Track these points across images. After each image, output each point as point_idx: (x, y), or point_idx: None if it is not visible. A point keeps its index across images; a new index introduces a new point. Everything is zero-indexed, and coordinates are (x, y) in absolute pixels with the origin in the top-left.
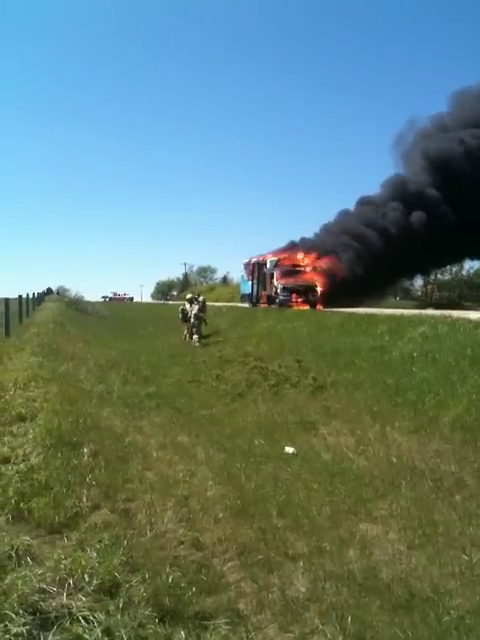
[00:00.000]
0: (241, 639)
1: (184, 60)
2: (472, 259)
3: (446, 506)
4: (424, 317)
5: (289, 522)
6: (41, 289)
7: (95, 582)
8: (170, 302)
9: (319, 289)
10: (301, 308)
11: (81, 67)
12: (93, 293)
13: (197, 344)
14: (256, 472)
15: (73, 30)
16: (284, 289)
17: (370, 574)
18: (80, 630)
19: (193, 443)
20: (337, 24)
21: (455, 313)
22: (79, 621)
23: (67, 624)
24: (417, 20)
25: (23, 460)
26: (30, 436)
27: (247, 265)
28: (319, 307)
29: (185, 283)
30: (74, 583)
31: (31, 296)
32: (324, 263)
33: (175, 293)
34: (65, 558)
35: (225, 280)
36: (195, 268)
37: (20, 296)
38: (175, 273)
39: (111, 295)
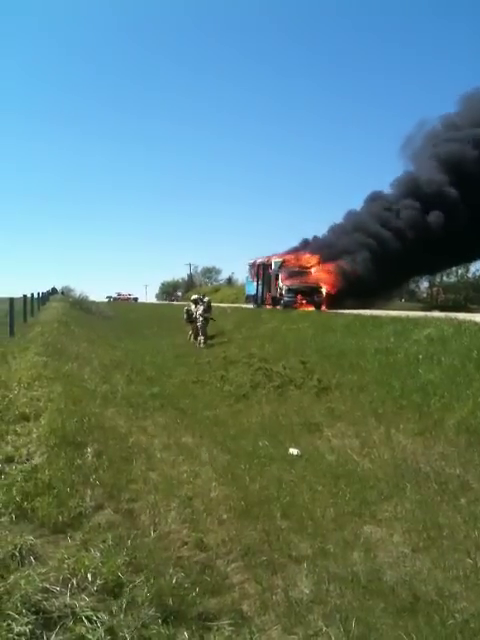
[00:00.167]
0: None
1: (187, 62)
2: None
3: (451, 509)
4: (429, 319)
5: (293, 524)
6: (46, 289)
7: (98, 582)
8: (175, 302)
9: (324, 290)
10: (306, 309)
11: (85, 70)
12: (98, 293)
13: (202, 345)
14: (260, 473)
15: (75, 34)
16: (289, 290)
17: (374, 576)
18: (83, 630)
19: (197, 444)
20: (337, 26)
21: (461, 315)
22: (82, 621)
23: (70, 624)
24: (418, 21)
25: (27, 459)
26: (34, 435)
27: (252, 266)
28: (324, 308)
29: (190, 284)
30: (77, 583)
31: (36, 296)
32: (328, 268)
33: (180, 294)
34: (68, 558)
35: (230, 281)
36: (200, 269)
37: (25, 296)
38: (180, 274)
39: (116, 295)
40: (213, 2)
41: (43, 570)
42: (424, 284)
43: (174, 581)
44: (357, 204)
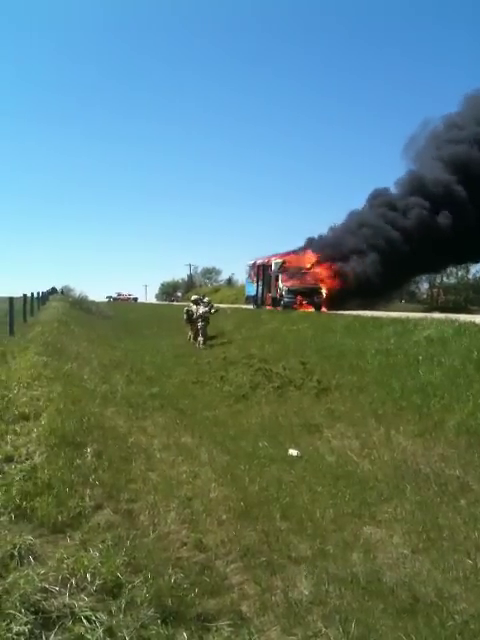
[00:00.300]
0: None
1: (186, 64)
2: None
3: (451, 510)
4: (430, 320)
5: (293, 525)
6: (46, 288)
7: (97, 582)
8: (174, 303)
9: (324, 291)
10: (306, 310)
11: (84, 72)
12: (97, 293)
13: (202, 345)
14: (260, 474)
15: (73, 36)
16: (289, 291)
17: (374, 578)
18: (82, 630)
19: (197, 444)
20: (336, 27)
21: (461, 317)
22: (81, 621)
23: (69, 624)
24: (417, 22)
25: (26, 459)
26: (34, 435)
27: (252, 267)
28: (324, 309)
29: (190, 284)
30: (76, 583)
31: (36, 295)
32: (328, 268)
33: (180, 294)
34: (68, 558)
35: (230, 282)
36: (200, 269)
37: (25, 295)
38: (180, 274)
39: (115, 295)
40: (210, 4)
41: (42, 570)
42: (424, 285)
43: (173, 581)
44: (357, 205)
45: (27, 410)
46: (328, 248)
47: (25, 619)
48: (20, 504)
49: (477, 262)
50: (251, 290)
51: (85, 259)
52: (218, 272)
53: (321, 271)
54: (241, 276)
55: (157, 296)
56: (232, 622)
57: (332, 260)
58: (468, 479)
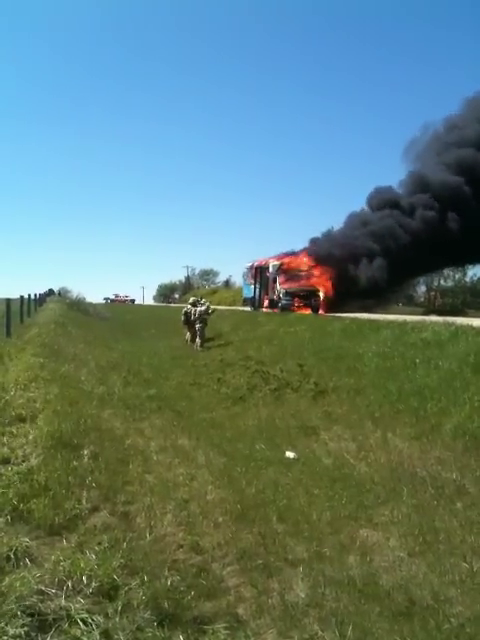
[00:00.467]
0: None
1: (184, 65)
2: None
3: (447, 513)
4: (427, 323)
5: (289, 527)
6: (43, 290)
7: (94, 584)
8: (172, 305)
9: (321, 294)
10: (303, 312)
11: (83, 74)
12: (95, 295)
13: (199, 347)
14: (256, 476)
15: (74, 37)
16: (286, 293)
17: (370, 580)
18: (78, 632)
19: (194, 446)
20: (336, 30)
21: (458, 320)
22: (77, 623)
23: (65, 626)
24: (415, 25)
25: (23, 461)
26: (30, 437)
27: (250, 269)
28: (321, 312)
29: (187, 286)
30: (73, 585)
31: (33, 297)
32: (326, 270)
33: (177, 296)
34: (64, 560)
35: (227, 284)
36: (197, 271)
37: (22, 296)
38: (177, 276)
39: (113, 297)
40: (210, 7)
41: (38, 572)
42: (421, 288)
43: (169, 584)
44: (355, 207)
45: (24, 412)
46: (328, 250)
47: (21, 621)
48: (17, 506)
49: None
50: (249, 292)
51: (82, 261)
52: (216, 274)
53: (319, 273)
54: (239, 278)
55: (154, 298)
56: (228, 625)
57: (332, 262)
58: (465, 482)
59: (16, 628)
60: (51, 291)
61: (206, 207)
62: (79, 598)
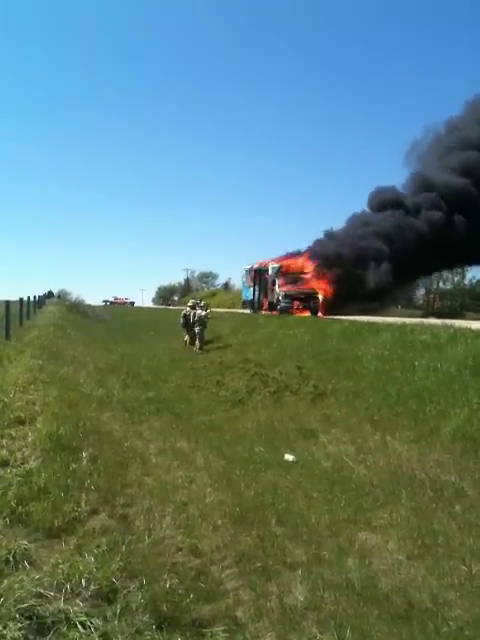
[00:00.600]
0: None
1: (182, 68)
2: None
3: (446, 516)
4: (426, 326)
5: (288, 530)
6: (42, 292)
7: (93, 587)
8: (171, 307)
9: (320, 296)
10: (302, 315)
11: (82, 77)
12: (94, 297)
13: (198, 350)
14: (255, 479)
15: (73, 41)
16: (286, 296)
17: (369, 583)
18: (77, 635)
19: (192, 449)
20: (335, 33)
21: (457, 322)
22: (76, 626)
23: (64, 629)
24: (414, 30)
25: (22, 463)
26: (29, 439)
27: (249, 271)
28: (320, 314)
29: (186, 288)
30: (71, 588)
31: (32, 299)
32: (326, 273)
33: (176, 298)
34: (63, 563)
35: (227, 286)
36: (197, 274)
37: (21, 299)
38: (177, 278)
39: (112, 299)
40: (211, 10)
41: (37, 575)
42: (420, 291)
43: (168, 587)
44: (353, 210)
45: (23, 414)
46: (335, 250)
47: (20, 624)
48: (15, 508)
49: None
50: (248, 294)
51: (82, 263)
52: (215, 276)
53: (318, 275)
54: (238, 280)
55: (154, 300)
56: (227, 628)
57: (338, 263)
58: (463, 485)
59: (14, 631)
60: (50, 293)
61: (205, 210)
62: (78, 601)
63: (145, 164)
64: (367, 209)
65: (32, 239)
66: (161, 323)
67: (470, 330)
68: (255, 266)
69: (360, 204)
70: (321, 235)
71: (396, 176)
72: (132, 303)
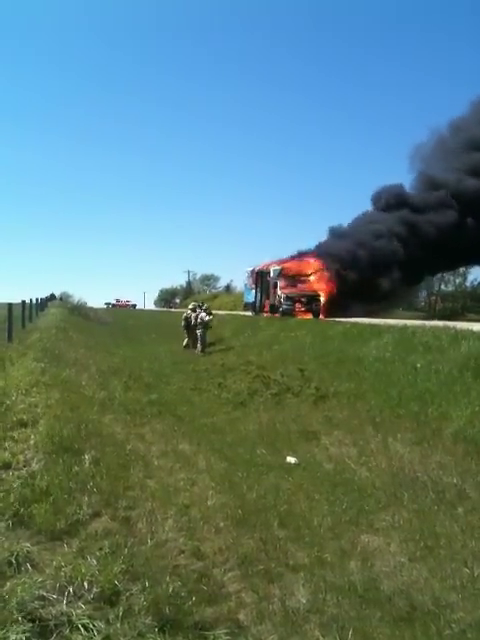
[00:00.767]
0: None
1: (184, 70)
2: None
3: (448, 518)
4: (427, 328)
5: (290, 532)
6: (44, 295)
7: (95, 590)
8: (173, 309)
9: (322, 298)
10: (304, 317)
11: (84, 80)
12: (96, 299)
13: (200, 352)
14: (257, 481)
15: (73, 43)
16: (287, 298)
17: (371, 586)
18: (80, 638)
19: (194, 451)
20: (335, 38)
21: (458, 324)
22: (79, 629)
23: (66, 632)
24: (413, 35)
25: (24, 466)
26: (31, 442)
27: (250, 273)
28: (322, 317)
29: (188, 291)
30: (74, 591)
31: (34, 302)
32: (328, 275)
33: (178, 301)
34: (65, 565)
35: (228, 288)
36: (198, 276)
37: (23, 301)
38: (178, 280)
39: (114, 302)
40: (210, 13)
41: (40, 577)
42: (422, 293)
43: (171, 589)
44: (354, 213)
45: (25, 417)
46: (341, 251)
47: (22, 627)
48: (18, 511)
49: None
50: (249, 297)
51: (84, 266)
52: (216, 279)
53: (320, 277)
54: (239, 283)
55: (156, 302)
56: (229, 630)
57: (347, 264)
58: (465, 487)
59: (17, 634)
60: (53, 296)
61: (207, 212)
62: (80, 604)
63: (147, 167)
64: (370, 208)
65: (34, 242)
66: (163, 326)
67: (472, 332)
68: (257, 268)
69: (362, 206)
70: (323, 237)
71: (396, 179)
72: (134, 306)
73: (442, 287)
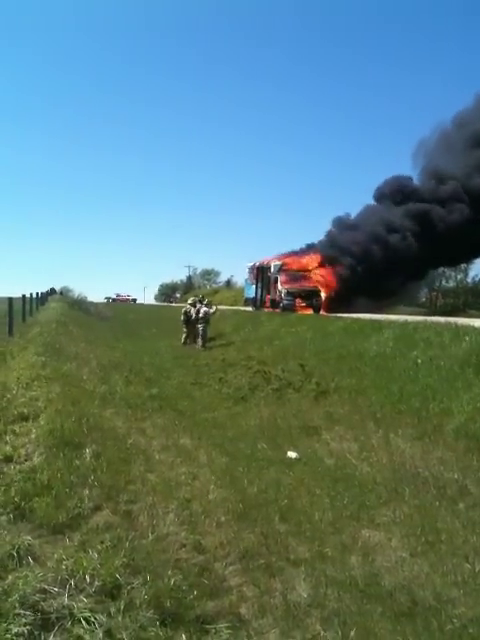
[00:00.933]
0: None
1: (183, 69)
2: None
3: (449, 514)
4: (429, 324)
5: (291, 527)
6: (45, 289)
7: (97, 583)
8: (173, 304)
9: (323, 294)
10: (305, 312)
11: (84, 77)
12: (96, 294)
13: (201, 347)
14: (258, 476)
15: (73, 43)
16: (288, 293)
17: (372, 581)
18: (81, 631)
19: (195, 446)
20: (334, 35)
21: (459, 320)
22: (80, 622)
23: (68, 625)
24: (412, 36)
25: (25, 460)
26: (33, 436)
27: (251, 269)
28: (322, 312)
29: (189, 285)
30: (75, 584)
31: (35, 296)
32: (330, 270)
33: (178, 295)
34: (67, 559)
35: (229, 283)
36: (199, 271)
37: (23, 296)
38: (179, 275)
39: (114, 296)
40: (208, 13)
41: (41, 571)
42: (423, 289)
43: (172, 583)
44: (355, 208)
45: (26, 410)
46: (351, 245)
47: (24, 620)
48: (19, 504)
49: None
50: (250, 292)
51: (84, 260)
52: (217, 274)
53: (321, 273)
54: (240, 278)
55: (156, 297)
56: (231, 624)
57: (349, 258)
58: (466, 483)
59: (19, 626)
60: (53, 290)
61: (208, 207)
62: (82, 597)
63: (148, 163)
64: (372, 202)
65: (35, 236)
66: (163, 320)
67: (473, 328)
68: (257, 263)
69: (361, 203)
70: (322, 233)
71: (401, 169)
72: (134, 300)
73: (443, 283)
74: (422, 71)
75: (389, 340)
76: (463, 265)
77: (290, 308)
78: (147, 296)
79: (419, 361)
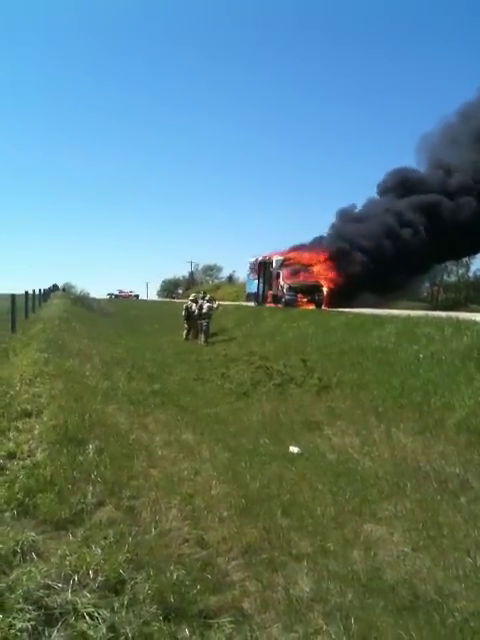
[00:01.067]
0: (245, 638)
1: (185, 64)
2: None
3: (451, 508)
4: (430, 318)
5: (293, 522)
6: (47, 286)
7: (100, 579)
8: (176, 300)
9: (325, 289)
10: (307, 308)
11: (85, 74)
12: (99, 290)
13: (203, 343)
14: (261, 471)
15: (75, 42)
16: (290, 288)
17: (374, 575)
18: (85, 626)
19: (198, 441)
20: (334, 31)
21: (461, 315)
22: (84, 617)
23: (72, 620)
24: (412, 35)
25: (29, 456)
26: (36, 432)
27: (253, 264)
28: (324, 307)
29: (191, 281)
30: (79, 579)
31: (37, 292)
32: (329, 267)
33: (181, 291)
34: (70, 554)
35: (231, 279)
36: (201, 266)
37: (26, 292)
38: (181, 271)
39: (117, 292)
40: (210, 10)
41: (45, 566)
42: (425, 284)
43: (175, 578)
44: (361, 200)
45: (29, 407)
46: (354, 239)
47: (28, 615)
48: (23, 500)
49: None
50: (252, 287)
51: (87, 257)
52: (219, 269)
53: (324, 268)
54: (242, 273)
55: (158, 293)
56: (233, 619)
57: (358, 252)
58: (468, 477)
59: (23, 622)
60: (55, 286)
61: (210, 203)
62: (85, 592)
63: (150, 157)
64: (375, 195)
65: (37, 233)
66: (165, 316)
67: (474, 322)
68: (259, 259)
69: (363, 197)
70: (325, 228)
71: (403, 162)
72: (137, 296)
73: (445, 277)
74: (425, 66)
75: (391, 335)
76: (465, 259)
77: (292, 303)
78: (149, 292)
79: (421, 356)
